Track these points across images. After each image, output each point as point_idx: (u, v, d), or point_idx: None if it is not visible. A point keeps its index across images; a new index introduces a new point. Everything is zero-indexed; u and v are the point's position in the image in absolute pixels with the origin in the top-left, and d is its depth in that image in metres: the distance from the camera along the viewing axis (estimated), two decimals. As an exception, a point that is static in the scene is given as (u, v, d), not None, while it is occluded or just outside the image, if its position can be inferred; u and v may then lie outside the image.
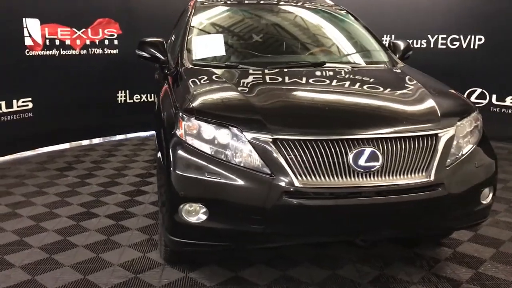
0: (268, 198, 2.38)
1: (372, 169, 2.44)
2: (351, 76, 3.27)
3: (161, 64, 3.60)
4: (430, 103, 2.80)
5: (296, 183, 2.37)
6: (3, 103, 5.51)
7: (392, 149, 2.48)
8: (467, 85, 6.88)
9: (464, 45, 6.82)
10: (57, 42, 6.05)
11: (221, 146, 2.48)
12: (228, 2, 4.25)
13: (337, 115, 2.68)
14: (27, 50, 5.72)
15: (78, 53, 6.29)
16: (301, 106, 2.80)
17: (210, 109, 2.63)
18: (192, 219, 2.49)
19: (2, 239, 3.49)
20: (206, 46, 3.53)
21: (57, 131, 6.17)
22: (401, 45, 3.99)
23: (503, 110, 6.67)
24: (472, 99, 6.83)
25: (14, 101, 5.67)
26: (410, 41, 6.97)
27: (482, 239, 3.58)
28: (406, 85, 3.16)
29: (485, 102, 6.78)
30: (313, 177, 2.40)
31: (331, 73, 3.33)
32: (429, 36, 7.05)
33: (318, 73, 3.31)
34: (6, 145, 5.64)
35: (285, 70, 3.32)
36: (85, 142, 6.55)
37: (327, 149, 2.42)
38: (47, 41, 5.94)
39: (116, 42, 6.62)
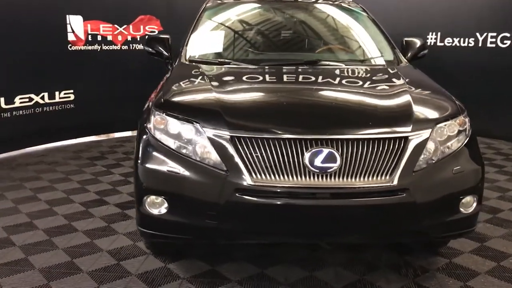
0: (221, 195, 2.40)
1: (329, 170, 2.38)
2: (335, 76, 3.20)
3: (165, 59, 3.72)
4: (406, 105, 2.68)
5: (249, 181, 2.37)
6: (46, 94, 5.89)
7: (352, 150, 2.40)
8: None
9: (516, 44, 6.37)
10: (99, 38, 6.38)
11: (184, 141, 2.54)
12: (239, 1, 4.29)
13: (298, 115, 2.63)
14: (70, 45, 6.07)
15: (119, 48, 6.59)
16: (265, 105, 2.79)
17: (177, 105, 2.70)
18: (155, 211, 2.56)
19: (14, 220, 3.77)
20: (205, 43, 3.60)
21: (97, 122, 6.51)
22: (415, 43, 3.82)
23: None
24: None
25: (57, 93, 6.05)
26: (457, 40, 6.66)
27: (486, 251, 3.36)
28: (389, 85, 3.04)
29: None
30: (267, 175, 2.39)
31: (316, 71, 3.28)
32: (477, 34, 6.66)
33: (303, 71, 3.27)
34: (48, 134, 6.04)
35: (270, 67, 3.32)
36: (123, 134, 6.85)
37: (283, 148, 2.39)
38: (90, 36, 6.27)
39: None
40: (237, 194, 2.38)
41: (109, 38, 6.47)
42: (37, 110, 5.83)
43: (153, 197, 2.56)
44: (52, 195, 4.36)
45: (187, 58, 3.49)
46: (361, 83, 3.03)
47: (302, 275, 3.01)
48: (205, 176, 2.44)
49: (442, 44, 6.98)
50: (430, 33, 7.07)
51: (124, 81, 6.60)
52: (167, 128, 2.59)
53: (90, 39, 6.28)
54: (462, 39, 6.80)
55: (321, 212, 2.40)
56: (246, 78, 3.13)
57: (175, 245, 3.24)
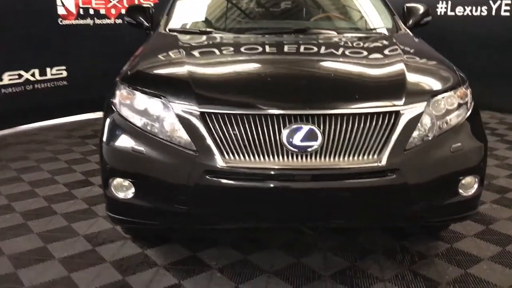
0: (191, 177, 2.17)
1: (309, 150, 2.12)
2: (323, 45, 2.91)
3: (145, 30, 3.46)
4: (399, 75, 2.39)
5: (220, 162, 2.14)
6: (36, 71, 5.67)
7: (335, 127, 2.14)
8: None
9: (532, 12, 5.96)
10: (92, 11, 6.11)
11: (151, 118, 2.30)
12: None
13: (275, 88, 2.36)
14: (60, 19, 5.82)
15: (113, 22, 6.33)
16: (240, 77, 2.52)
17: (145, 78, 2.45)
18: (121, 195, 2.35)
19: (-8, 203, 3.60)
20: (187, 11, 3.33)
21: (91, 100, 6.28)
22: (418, 10, 3.50)
23: None
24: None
25: (48, 69, 5.83)
26: (468, 8, 6.27)
27: (491, 234, 3.10)
28: (382, 54, 2.74)
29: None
30: (241, 156, 2.15)
31: (303, 40, 3.00)
32: (491, 1, 6.24)
33: (289, 40, 2.99)
34: (40, 112, 5.85)
35: (254, 37, 3.04)
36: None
37: (258, 126, 2.14)
38: (81, 10, 6.01)
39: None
40: (207, 177, 2.15)
41: (102, 11, 6.21)
42: (28, 87, 5.63)
43: (119, 179, 2.34)
44: (36, 175, 4.18)
45: (166, 28, 3.22)
46: (350, 52, 2.74)
47: (288, 261, 2.79)
48: (173, 157, 2.21)
49: (453, 13, 6.58)
50: (440, 2, 6.67)
51: (119, 56, 6.32)
52: (133, 104, 2.35)
53: (82, 12, 6.02)
54: (474, 8, 6.39)
55: (301, 195, 2.17)
56: (225, 48, 2.86)
57: (155, 229, 3.03)
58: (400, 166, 2.15)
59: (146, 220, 2.40)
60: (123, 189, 2.35)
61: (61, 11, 5.82)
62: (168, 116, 2.25)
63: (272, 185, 2.13)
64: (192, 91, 2.25)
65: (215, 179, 2.14)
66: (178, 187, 2.20)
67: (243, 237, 3.03)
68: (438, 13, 6.67)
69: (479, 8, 6.36)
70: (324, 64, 2.62)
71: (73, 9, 5.93)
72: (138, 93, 2.35)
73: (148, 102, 2.32)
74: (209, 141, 2.15)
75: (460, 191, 2.35)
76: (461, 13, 6.52)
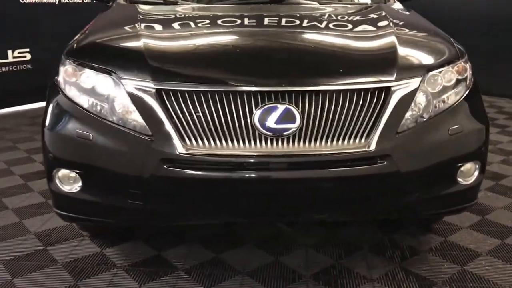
0: (145, 167, 1.83)
1: (286, 133, 1.80)
2: (302, 16, 2.56)
3: (106, 3, 3.07)
4: (389, 47, 2.07)
5: (180, 149, 1.80)
6: (-4, 54, 5.25)
7: (316, 106, 1.82)
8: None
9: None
10: (57, -11, 5.68)
11: (100, 98, 1.95)
12: None
13: (246, 61, 2.01)
14: (22, -3, 5.39)
15: (81, 1, 5.91)
16: (204, 49, 2.15)
17: (94, 51, 2.10)
18: (66, 188, 2.00)
19: None
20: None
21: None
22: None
23: None
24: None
25: (9, 52, 5.41)
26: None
27: (487, 225, 2.83)
28: (369, 25, 2.41)
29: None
30: (204, 141, 1.82)
31: (279, 11, 2.66)
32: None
33: (262, 10, 2.65)
34: (2, 98, 5.43)
35: (224, 7, 2.69)
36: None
37: (225, 105, 1.81)
38: (46, -13, 5.58)
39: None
40: (165, 166, 1.81)
41: (69, -11, 5.78)
42: (-14, 71, 5.21)
43: (64, 170, 2.00)
44: (-9, 166, 3.80)
45: (127, -1, 2.85)
46: (333, 24, 2.39)
47: (265, 260, 2.48)
48: (124, 144, 1.87)
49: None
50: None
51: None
52: (80, 82, 2.00)
53: (46, -10, 5.58)
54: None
55: (276, 187, 1.84)
56: (190, 19, 2.50)
57: (112, 226, 2.69)
58: (392, 151, 1.84)
59: (96, 217, 2.06)
60: (70, 182, 2.01)
61: (22, -12, 5.38)
62: (118, 95, 1.90)
63: (241, 175, 1.81)
64: (147, 64, 1.90)
65: (173, 169, 1.81)
66: (131, 179, 1.86)
67: (214, 233, 2.71)
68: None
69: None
70: (302, 35, 2.28)
71: (35, -14, 5.49)
72: (85, 69, 2.00)
73: (96, 79, 1.96)
74: (166, 123, 1.81)
75: (459, 179, 2.06)
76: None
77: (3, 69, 5.38)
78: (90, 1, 5.93)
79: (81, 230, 2.73)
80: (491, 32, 5.95)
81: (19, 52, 5.50)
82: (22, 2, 5.40)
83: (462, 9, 6.12)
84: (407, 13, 2.73)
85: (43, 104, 5.47)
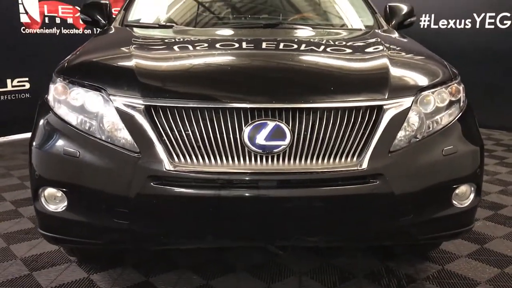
0: (132, 185, 1.78)
1: (276, 150, 1.77)
2: (296, 39, 2.58)
3: (102, 28, 3.10)
4: (381, 67, 2.06)
5: (168, 166, 1.76)
6: (-5, 82, 5.28)
7: (307, 124, 1.79)
8: (519, 71, 5.82)
9: (517, 25, 5.77)
10: (58, 20, 5.77)
11: (89, 115, 1.93)
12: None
13: (237, 78, 2.00)
14: (23, 27, 5.47)
15: (81, 32, 5.99)
16: (195, 67, 2.14)
17: (84, 70, 2.09)
18: (52, 208, 1.95)
19: None
20: (148, 7, 2.98)
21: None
22: (401, 10, 3.20)
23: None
24: (525, 89, 5.77)
25: (9, 81, 5.44)
26: (452, 21, 6.06)
27: (486, 254, 2.76)
28: (362, 47, 2.42)
29: (540, 92, 5.70)
30: (193, 158, 1.78)
31: (273, 35, 2.67)
32: (475, 15, 6.05)
33: (256, 33, 2.66)
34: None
35: (218, 31, 2.70)
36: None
37: (214, 122, 1.78)
38: (46, 19, 5.66)
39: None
40: (152, 184, 1.77)
41: (70, 21, 5.87)
42: (-15, 99, 5.22)
43: (51, 189, 1.95)
44: (-18, 192, 3.75)
45: (122, 23, 2.87)
46: (326, 46, 2.39)
47: (257, 286, 2.40)
48: (111, 161, 1.83)
49: (436, 26, 6.39)
50: (423, 15, 6.47)
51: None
52: (69, 99, 1.98)
53: (47, 21, 5.67)
54: (458, 21, 6.19)
55: (265, 206, 1.79)
56: (182, 41, 2.50)
57: (103, 250, 2.62)
58: (384, 171, 1.80)
59: (82, 238, 2.00)
60: (56, 201, 1.96)
61: (24, 19, 5.47)
62: (107, 112, 1.88)
63: (230, 193, 1.76)
64: (137, 81, 1.89)
65: (161, 186, 1.77)
66: (117, 197, 1.82)
67: (205, 259, 2.63)
68: (422, 26, 6.47)
69: (463, 21, 6.17)
70: (293, 54, 2.27)
71: (37, 18, 5.58)
72: (75, 87, 1.99)
73: (86, 96, 1.95)
74: (154, 140, 1.78)
75: (454, 202, 2.01)
76: (444, 26, 6.32)
77: (2, 97, 5.40)
78: (90, 32, 6.00)
79: (69, 255, 2.67)
80: (489, 65, 6.00)
81: (18, 81, 5.53)
82: (24, 32, 5.46)
83: (460, 42, 6.19)
84: (401, 38, 2.75)
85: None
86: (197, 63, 2.17)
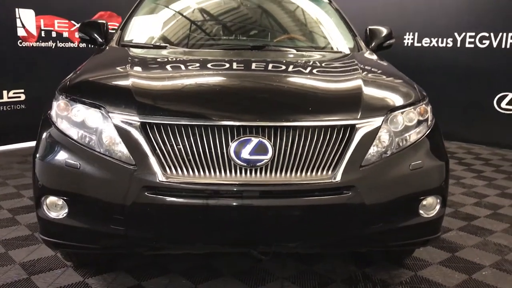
0: (128, 194, 1.97)
1: (258, 164, 1.96)
2: (279, 61, 2.79)
3: (99, 46, 3.29)
4: (355, 89, 2.28)
5: (160, 177, 1.95)
6: (-8, 93, 5.43)
7: (287, 140, 1.99)
8: (497, 89, 6.10)
9: (495, 44, 6.05)
10: (54, 34, 5.95)
11: (89, 130, 2.11)
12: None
13: (223, 98, 2.21)
14: (20, 41, 5.64)
15: (76, 46, 6.17)
16: (186, 88, 2.35)
17: (84, 88, 2.28)
18: (53, 215, 2.12)
19: None
20: (142, 27, 3.19)
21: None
22: (380, 32, 3.44)
23: (536, 118, 5.83)
24: (503, 105, 6.05)
25: (5, 92, 5.59)
26: (435, 40, 6.33)
27: (457, 262, 2.96)
28: (339, 70, 2.64)
29: (517, 108, 5.97)
30: (184, 170, 1.97)
31: (258, 56, 2.89)
32: (456, 34, 6.33)
33: (243, 55, 2.87)
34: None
35: (207, 52, 2.92)
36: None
37: (203, 138, 1.98)
38: (43, 32, 5.84)
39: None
40: (146, 193, 1.96)
41: (65, 34, 6.06)
42: (-19, 110, 5.37)
43: (52, 198, 2.13)
44: (-21, 201, 3.89)
45: (118, 43, 3.07)
46: (306, 68, 2.62)
47: (242, 290, 2.58)
48: (110, 172, 2.02)
49: (419, 44, 6.65)
50: (407, 34, 6.74)
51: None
52: (71, 115, 2.17)
53: (43, 35, 5.85)
54: (440, 39, 6.47)
55: (249, 214, 1.98)
56: (176, 61, 2.71)
57: (97, 255, 2.79)
58: (356, 183, 2.00)
59: (81, 243, 2.18)
60: (57, 209, 2.13)
61: (21, 32, 5.64)
62: (106, 128, 2.06)
63: (217, 203, 1.95)
64: (133, 100, 2.08)
65: (154, 196, 1.95)
66: (114, 205, 2.00)
67: (194, 265, 2.81)
68: (405, 44, 6.73)
69: (444, 40, 6.44)
70: (276, 76, 2.48)
71: (34, 31, 5.76)
72: (76, 104, 2.17)
73: (86, 113, 2.14)
74: (149, 154, 1.97)
75: (421, 212, 2.21)
76: (427, 45, 6.58)
77: (-2, 108, 5.55)
78: (85, 45, 6.18)
79: (65, 260, 2.82)
80: (469, 82, 6.27)
81: (14, 93, 5.68)
82: (20, 45, 5.63)
83: (442, 60, 6.45)
84: (377, 61, 2.97)
85: (35, 143, 5.59)
86: (188, 84, 2.37)
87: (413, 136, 2.24)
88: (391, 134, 2.16)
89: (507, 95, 6.06)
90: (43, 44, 5.86)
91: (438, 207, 2.26)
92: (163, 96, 2.20)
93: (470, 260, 2.98)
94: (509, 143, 6.07)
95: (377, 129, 2.11)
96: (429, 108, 2.36)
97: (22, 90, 5.74)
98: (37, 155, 2.18)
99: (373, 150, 2.09)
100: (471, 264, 2.93)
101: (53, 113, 2.23)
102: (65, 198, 2.09)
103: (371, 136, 2.08)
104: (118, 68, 2.46)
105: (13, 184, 4.35)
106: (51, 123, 2.22)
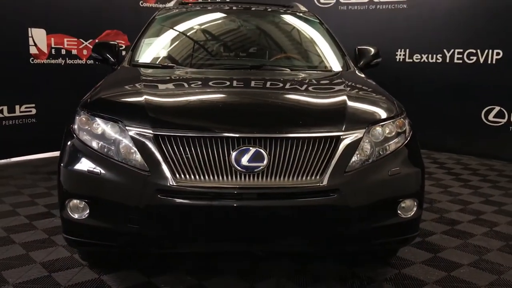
0: (143, 196, 2.27)
1: (256, 170, 2.27)
2: (274, 79, 3.12)
3: (111, 65, 3.62)
4: (340, 105, 2.60)
5: (171, 182, 2.26)
6: (5, 108, 5.74)
7: (280, 150, 2.30)
8: (484, 102, 6.42)
9: (482, 60, 6.39)
10: (63, 52, 6.28)
11: (108, 141, 2.42)
12: (191, 9, 4.24)
13: (225, 113, 2.54)
14: (32, 58, 5.96)
15: (84, 62, 6.49)
16: (193, 104, 2.68)
17: (103, 104, 2.59)
18: (76, 216, 2.42)
19: (-49, 233, 3.58)
20: (151, 48, 3.52)
21: (59, 138, 6.34)
22: (369, 52, 3.77)
23: (522, 130, 6.14)
24: (490, 117, 6.37)
25: (17, 107, 5.90)
26: (425, 56, 6.67)
27: (438, 261, 3.25)
28: (328, 88, 2.97)
29: (503, 121, 6.29)
30: (191, 175, 2.28)
31: (256, 75, 3.21)
32: (445, 50, 6.67)
33: (243, 75, 3.20)
34: (6, 148, 5.86)
35: (211, 72, 3.24)
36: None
37: (208, 147, 2.29)
38: (53, 50, 6.17)
39: (124, 53, 6.75)
40: (159, 196, 2.26)
41: (74, 52, 6.38)
42: (-4, 123, 5.68)
43: (75, 201, 2.43)
44: (-3, 208, 4.18)
45: (130, 63, 3.41)
46: (299, 85, 2.96)
47: (242, 286, 2.86)
48: (126, 177, 2.32)
49: (410, 60, 6.99)
50: (399, 50, 7.08)
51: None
52: (92, 128, 2.48)
53: (53, 52, 6.17)
54: (430, 55, 6.81)
55: (248, 214, 2.28)
56: (183, 80, 3.05)
57: (112, 255, 3.08)
58: (341, 186, 2.30)
59: (100, 240, 2.47)
60: (79, 210, 2.43)
61: (33, 50, 5.97)
62: (124, 139, 2.37)
63: (220, 203, 2.26)
64: (147, 115, 2.40)
65: (166, 198, 2.25)
66: (131, 207, 2.30)
67: (198, 264, 3.09)
68: (397, 60, 7.06)
69: (434, 55, 6.77)
70: (272, 93, 2.81)
71: (45, 49, 6.08)
72: (96, 118, 2.49)
73: (106, 126, 2.45)
74: (161, 161, 2.28)
75: (400, 213, 2.51)
76: (418, 60, 6.92)
77: (11, 122, 5.85)
78: (92, 62, 6.50)
79: (81, 260, 3.11)
80: (458, 95, 6.59)
81: (25, 107, 5.99)
82: (32, 62, 5.96)
83: (432, 75, 6.78)
84: (363, 79, 3.29)
85: (46, 154, 5.93)
86: (194, 100, 2.70)
87: (392, 146, 2.54)
88: (372, 144, 2.47)
89: (493, 108, 6.37)
90: (53, 61, 6.17)
91: (415, 208, 2.56)
92: (173, 112, 2.52)
93: (450, 260, 3.27)
94: (496, 154, 6.37)
95: (360, 139, 2.42)
96: (406, 122, 2.67)
97: (34, 105, 6.04)
98: (62, 164, 2.48)
99: (356, 158, 2.39)
100: (451, 263, 3.22)
101: (75, 126, 2.54)
102: (87, 201, 2.39)
103: (354, 146, 2.39)
104: (132, 87, 2.79)
105: (27, 193, 4.64)
106: (73, 135, 2.53)
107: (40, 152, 6.26)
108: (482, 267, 3.17)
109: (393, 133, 2.57)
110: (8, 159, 5.92)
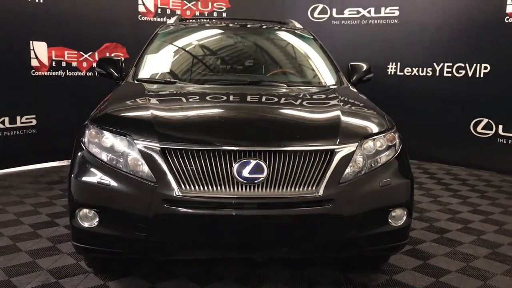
0: (150, 206, 2.42)
1: (256, 181, 2.43)
2: (272, 95, 3.30)
3: (115, 80, 3.78)
4: (334, 119, 2.77)
5: (177, 192, 2.41)
6: (6, 119, 5.87)
7: (279, 162, 2.46)
8: (473, 115, 6.63)
9: (470, 74, 6.60)
10: (64, 64, 6.43)
11: (117, 154, 2.57)
12: (191, 26, 4.42)
13: (228, 128, 2.70)
14: (33, 70, 6.11)
15: (84, 74, 6.64)
16: (197, 118, 2.86)
17: (112, 119, 2.75)
18: (86, 224, 2.56)
19: (-42, 241, 3.70)
20: (154, 63, 3.68)
21: (59, 148, 6.46)
22: (361, 67, 3.95)
23: (510, 141, 6.34)
24: (479, 129, 6.57)
25: (18, 118, 6.03)
26: (415, 69, 6.87)
27: (427, 268, 3.41)
28: (322, 103, 3.15)
29: (491, 133, 6.49)
30: (196, 186, 2.43)
31: (255, 91, 3.39)
32: (435, 64, 6.88)
33: (242, 89, 3.38)
34: (7, 159, 5.98)
35: (212, 87, 3.42)
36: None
37: (212, 160, 2.45)
38: (54, 62, 6.32)
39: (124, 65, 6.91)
40: (165, 205, 2.41)
41: (74, 64, 6.53)
42: (-3, 134, 5.81)
43: (85, 210, 2.57)
44: (1, 217, 4.30)
45: (134, 78, 3.57)
46: (295, 101, 3.14)
47: (242, 292, 3.01)
48: (135, 188, 2.47)
49: (402, 73, 7.20)
50: (390, 63, 7.29)
51: (88, 106, 6.57)
52: (101, 142, 2.63)
53: (54, 65, 6.32)
54: (420, 69, 7.02)
55: (249, 222, 2.44)
56: (186, 95, 3.22)
57: (116, 262, 3.22)
58: (335, 197, 2.47)
59: (109, 248, 2.62)
60: (88, 219, 2.57)
61: (34, 63, 6.11)
62: (132, 152, 2.53)
63: (222, 212, 2.41)
64: (154, 129, 2.56)
65: (172, 207, 2.41)
66: (139, 215, 2.45)
67: (199, 270, 3.23)
68: (389, 73, 7.27)
69: (424, 69, 6.99)
70: (271, 109, 2.99)
71: (46, 62, 6.23)
72: (105, 132, 2.64)
73: (115, 140, 2.60)
74: (168, 173, 2.43)
75: (390, 221, 2.67)
76: (409, 73, 7.13)
77: (12, 132, 5.98)
78: (92, 74, 6.66)
79: (87, 267, 3.24)
80: (448, 108, 6.80)
81: (26, 118, 6.12)
82: (33, 74, 6.10)
83: (422, 87, 6.99)
84: (355, 94, 3.48)
85: (46, 164, 6.03)
86: (198, 115, 2.88)
87: (383, 158, 2.72)
88: (364, 157, 2.64)
89: (482, 120, 6.58)
90: (54, 73, 6.32)
91: (405, 217, 2.72)
92: (179, 126, 2.69)
93: (439, 267, 3.43)
94: (484, 165, 6.57)
95: (353, 153, 2.59)
96: (396, 135, 2.85)
97: (34, 116, 6.17)
98: (72, 175, 2.63)
99: (349, 170, 2.56)
100: (440, 270, 3.38)
101: (85, 139, 2.70)
102: (96, 210, 2.53)
103: (348, 158, 2.56)
104: (138, 102, 2.95)
105: (30, 203, 4.75)
106: (83, 148, 2.68)
107: (40, 162, 6.38)
108: (469, 274, 3.33)
109: (384, 147, 2.74)
110: (8, 169, 6.03)
